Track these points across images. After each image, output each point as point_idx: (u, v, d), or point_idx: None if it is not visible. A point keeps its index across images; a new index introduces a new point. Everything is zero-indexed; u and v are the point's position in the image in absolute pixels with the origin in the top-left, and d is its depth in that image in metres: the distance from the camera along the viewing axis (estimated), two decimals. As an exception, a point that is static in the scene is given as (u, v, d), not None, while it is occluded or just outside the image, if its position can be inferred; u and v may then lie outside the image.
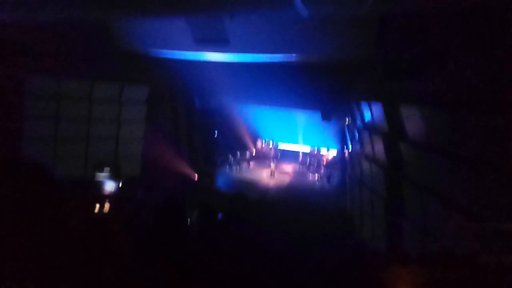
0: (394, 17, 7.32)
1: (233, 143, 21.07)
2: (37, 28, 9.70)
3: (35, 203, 1.67)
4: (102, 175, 13.46)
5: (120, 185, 13.53)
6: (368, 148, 10.90)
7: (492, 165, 4.47)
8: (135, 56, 12.59)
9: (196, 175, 17.75)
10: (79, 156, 13.51)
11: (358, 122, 12.06)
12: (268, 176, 19.12)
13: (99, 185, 13.36)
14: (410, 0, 4.27)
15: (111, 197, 13.05)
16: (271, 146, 22.77)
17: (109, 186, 13.48)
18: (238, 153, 20.66)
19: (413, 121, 7.02)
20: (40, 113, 12.13)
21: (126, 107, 14.28)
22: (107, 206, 12.60)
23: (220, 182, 18.50)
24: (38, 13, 5.22)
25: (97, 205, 12.53)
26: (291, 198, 16.18)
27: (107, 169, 13.47)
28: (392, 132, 8.37)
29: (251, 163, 21.14)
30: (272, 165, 19.80)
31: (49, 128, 12.50)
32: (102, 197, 12.86)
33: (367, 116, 10.56)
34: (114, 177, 13.62)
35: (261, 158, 22.01)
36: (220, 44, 9.87)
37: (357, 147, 12.88)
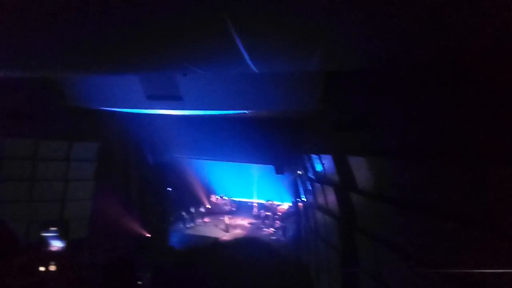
0: (341, 73, 7.76)
1: (187, 199, 20.70)
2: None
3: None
4: (49, 236, 12.73)
5: (67, 246, 12.81)
6: (321, 200, 11.07)
7: (440, 213, 4.66)
8: (84, 113, 12.37)
9: (148, 233, 17.10)
10: (22, 218, 12.68)
11: (310, 175, 12.32)
12: (223, 231, 18.76)
13: (45, 246, 12.58)
14: (356, 57, 4.57)
15: (57, 259, 12.28)
16: (225, 200, 22.55)
17: (56, 246, 12.74)
18: (192, 208, 20.26)
19: (361, 172, 7.27)
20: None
21: (74, 165, 13.77)
22: (53, 267, 11.82)
23: (174, 239, 17.91)
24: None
25: (42, 267, 11.71)
26: (246, 253, 15.84)
27: (54, 229, 12.76)
28: (343, 183, 8.60)
29: (206, 218, 20.73)
30: (227, 219, 19.50)
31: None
32: (47, 259, 12.07)
33: (319, 168, 10.83)
34: (61, 237, 12.91)
35: (216, 213, 21.67)
36: (173, 101, 9.93)
37: (311, 199, 13.04)
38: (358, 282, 8.11)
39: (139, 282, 11.62)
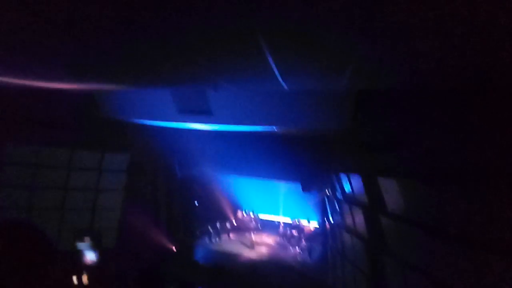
0: (372, 92, 7.65)
1: (213, 214, 20.71)
2: (19, 94, 9.76)
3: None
4: (82, 245, 12.99)
5: (97, 256, 13.02)
6: (348, 221, 10.84)
7: (472, 240, 4.47)
8: (117, 125, 12.68)
9: (174, 246, 17.19)
10: (53, 226, 13.02)
11: (338, 194, 12.11)
12: (248, 248, 18.61)
13: (76, 256, 12.81)
14: (387, 76, 4.49)
15: (88, 269, 12.47)
16: (251, 217, 22.43)
17: (89, 256, 12.96)
18: (218, 223, 20.23)
19: (391, 194, 7.08)
20: (15, 181, 11.81)
21: (105, 175, 14.09)
22: (85, 277, 11.99)
23: (199, 253, 17.90)
24: (20, 78, 5.29)
25: (75, 277, 11.91)
26: (271, 272, 15.64)
27: (87, 238, 13.04)
28: (372, 204, 8.40)
29: (231, 234, 20.64)
30: (252, 236, 19.36)
31: (23, 197, 12.12)
32: (80, 268, 12.27)
33: (347, 188, 10.64)
34: (91, 247, 13.14)
35: (241, 229, 21.55)
36: (203, 115, 10.04)
37: (338, 219, 12.80)
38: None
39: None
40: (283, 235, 20.26)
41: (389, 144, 7.25)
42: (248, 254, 17.95)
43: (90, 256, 12.92)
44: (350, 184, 10.16)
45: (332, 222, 14.37)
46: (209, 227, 19.58)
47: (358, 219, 9.60)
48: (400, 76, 4.34)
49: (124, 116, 11.78)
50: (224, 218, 21.33)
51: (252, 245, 18.61)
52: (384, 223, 7.75)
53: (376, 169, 7.91)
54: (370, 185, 8.25)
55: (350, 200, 10.46)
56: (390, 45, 2.90)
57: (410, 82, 4.82)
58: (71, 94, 10.80)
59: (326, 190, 14.73)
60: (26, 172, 12.05)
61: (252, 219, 22.27)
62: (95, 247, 13.11)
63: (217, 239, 19.63)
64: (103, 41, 3.22)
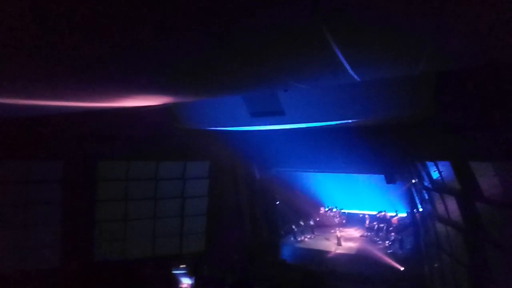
0: (452, 72, 7.12)
1: (295, 212, 20.66)
2: (107, 115, 10.52)
3: None
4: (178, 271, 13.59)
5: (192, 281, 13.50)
6: (440, 209, 10.21)
7: None
8: (195, 134, 13.19)
9: (260, 247, 17.42)
10: (148, 233, 13.92)
11: (426, 183, 11.45)
12: (334, 244, 18.27)
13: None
14: (465, 54, 4.12)
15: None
16: (334, 212, 22.01)
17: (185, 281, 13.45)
18: (301, 221, 20.11)
19: (487, 178, 6.53)
20: (110, 195, 12.81)
21: (189, 183, 14.73)
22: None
23: (286, 253, 17.94)
24: (104, 102, 5.69)
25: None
26: (363, 267, 15.21)
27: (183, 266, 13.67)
28: (466, 191, 7.82)
29: (316, 231, 20.39)
30: (338, 232, 18.98)
31: (119, 209, 13.09)
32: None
33: (435, 175, 10.01)
34: (190, 273, 13.67)
35: (326, 225, 21.23)
36: (276, 116, 10.07)
37: (428, 209, 12.11)
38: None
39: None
40: (370, 229, 19.64)
41: (477, 124, 6.71)
42: (335, 250, 17.63)
43: (186, 281, 13.47)
44: (438, 171, 9.56)
45: (422, 212, 13.64)
46: (293, 226, 19.56)
47: (452, 207, 9.00)
48: (481, 52, 3.96)
49: (201, 125, 12.20)
50: (307, 216, 21.14)
51: (338, 241, 18.23)
52: (482, 210, 7.18)
53: (466, 153, 7.36)
54: (461, 170, 7.70)
55: (440, 188, 9.84)
56: (470, 24, 2.66)
57: (493, 57, 4.38)
58: (151, 110, 11.43)
59: (412, 180, 14.01)
60: (119, 186, 13.01)
61: (336, 215, 21.85)
62: (190, 273, 13.62)
63: (302, 236, 19.53)
64: (178, 55, 3.33)
